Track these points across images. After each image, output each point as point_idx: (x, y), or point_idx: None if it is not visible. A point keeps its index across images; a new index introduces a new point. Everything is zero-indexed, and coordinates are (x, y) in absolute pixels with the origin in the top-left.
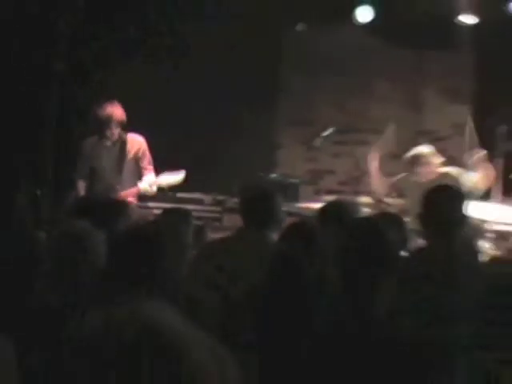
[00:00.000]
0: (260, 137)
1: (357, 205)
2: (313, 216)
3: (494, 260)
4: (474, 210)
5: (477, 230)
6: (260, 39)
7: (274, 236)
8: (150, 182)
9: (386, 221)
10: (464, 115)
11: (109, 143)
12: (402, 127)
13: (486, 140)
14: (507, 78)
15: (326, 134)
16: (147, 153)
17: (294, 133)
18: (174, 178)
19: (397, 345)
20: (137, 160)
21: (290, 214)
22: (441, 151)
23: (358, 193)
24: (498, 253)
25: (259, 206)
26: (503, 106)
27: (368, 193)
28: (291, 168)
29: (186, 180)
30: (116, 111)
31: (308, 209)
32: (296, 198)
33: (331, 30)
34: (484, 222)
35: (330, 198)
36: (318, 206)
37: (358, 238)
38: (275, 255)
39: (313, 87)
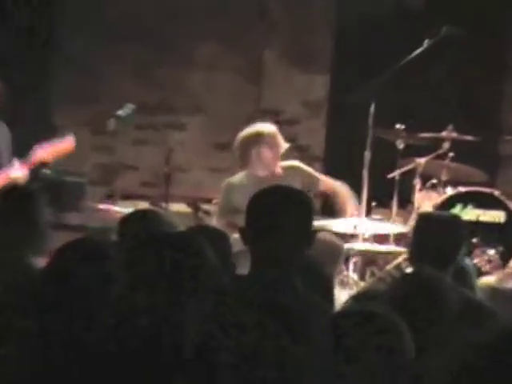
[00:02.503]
0: (33, 118)
1: (167, 214)
2: (105, 229)
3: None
4: (333, 224)
5: (335, 251)
6: None
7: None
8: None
9: (204, 236)
10: (320, 89)
11: None
12: (235, 104)
13: (346, 125)
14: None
15: (122, 113)
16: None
17: (77, 112)
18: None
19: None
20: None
21: (70, 226)
22: (288, 139)
23: (169, 197)
24: (360, 283)
25: (11, 212)
26: (368, 78)
27: (182, 198)
28: (74, 160)
29: None
30: None
31: (97, 219)
32: (80, 203)
33: None
34: (347, 239)
35: (130, 204)
36: (112, 214)
37: (169, 258)
38: (46, 274)
39: (104, 52)
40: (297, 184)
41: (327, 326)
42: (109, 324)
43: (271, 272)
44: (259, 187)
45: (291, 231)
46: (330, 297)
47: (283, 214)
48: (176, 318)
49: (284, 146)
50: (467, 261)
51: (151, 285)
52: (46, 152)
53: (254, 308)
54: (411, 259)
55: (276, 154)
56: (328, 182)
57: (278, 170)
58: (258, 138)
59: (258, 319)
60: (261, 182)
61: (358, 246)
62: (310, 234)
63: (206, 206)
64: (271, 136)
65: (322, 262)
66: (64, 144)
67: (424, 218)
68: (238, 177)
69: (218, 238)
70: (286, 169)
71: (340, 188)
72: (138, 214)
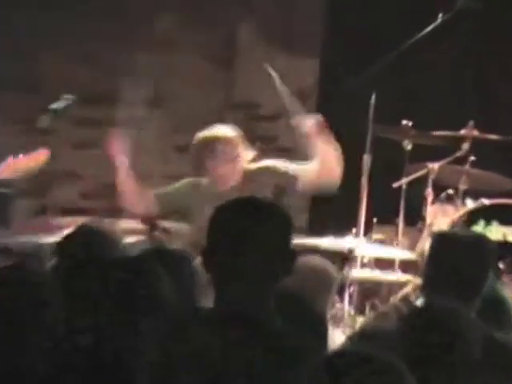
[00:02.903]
0: None
1: (116, 233)
2: (39, 249)
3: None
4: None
5: (327, 280)
6: None
7: None
8: None
9: (162, 261)
10: (308, 76)
11: None
12: (200, 95)
13: (340, 121)
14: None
15: (58, 105)
16: None
17: (2, 105)
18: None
19: None
20: None
21: None
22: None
23: (116, 212)
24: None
25: None
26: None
27: (135, 213)
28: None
29: None
30: None
31: (29, 237)
32: (8, 220)
33: None
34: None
35: (70, 221)
36: (51, 235)
37: (114, 277)
38: None
39: (36, 27)
40: (270, 192)
41: (321, 366)
42: (44, 348)
43: (236, 289)
44: (218, 201)
45: (262, 245)
46: (322, 335)
47: (253, 226)
48: (129, 338)
49: (247, 156)
50: (503, 291)
51: (94, 304)
52: (14, 167)
53: (217, 324)
54: (423, 289)
55: (234, 168)
56: (307, 180)
57: (243, 180)
58: (212, 145)
59: (221, 333)
60: (220, 195)
61: (356, 272)
62: (289, 252)
63: (164, 223)
64: (229, 143)
65: (311, 294)
66: (36, 157)
67: (439, 239)
68: (205, 181)
69: (178, 261)
70: (256, 173)
71: (321, 177)
72: (78, 232)
